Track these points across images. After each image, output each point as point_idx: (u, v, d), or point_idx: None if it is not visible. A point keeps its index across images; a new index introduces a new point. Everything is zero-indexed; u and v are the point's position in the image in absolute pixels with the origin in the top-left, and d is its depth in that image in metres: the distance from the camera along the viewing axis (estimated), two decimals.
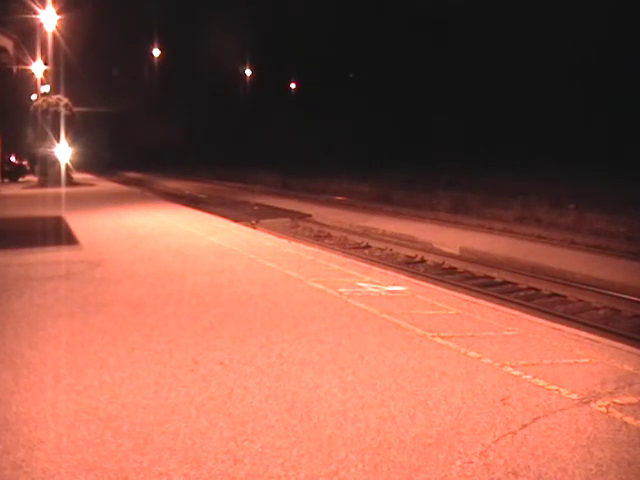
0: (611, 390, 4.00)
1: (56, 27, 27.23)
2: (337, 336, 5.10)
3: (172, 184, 35.20)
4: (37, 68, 32.06)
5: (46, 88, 31.54)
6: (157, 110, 74.36)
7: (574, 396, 3.89)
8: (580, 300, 9.29)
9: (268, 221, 18.07)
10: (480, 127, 40.55)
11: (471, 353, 4.69)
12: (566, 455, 3.15)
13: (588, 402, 3.80)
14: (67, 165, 28.46)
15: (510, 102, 39.75)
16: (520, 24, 41.50)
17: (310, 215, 19.72)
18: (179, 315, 5.77)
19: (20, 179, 30.03)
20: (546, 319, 6.28)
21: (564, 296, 9.54)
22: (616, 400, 3.84)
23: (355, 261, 9.59)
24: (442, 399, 3.83)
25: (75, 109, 27.95)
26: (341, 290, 6.78)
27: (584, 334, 5.46)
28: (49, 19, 26.45)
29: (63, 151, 27.23)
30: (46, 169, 27.14)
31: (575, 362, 4.55)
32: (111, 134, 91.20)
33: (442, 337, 5.08)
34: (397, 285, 7.26)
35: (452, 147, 38.11)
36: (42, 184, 26.05)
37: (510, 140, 36.59)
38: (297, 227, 17.75)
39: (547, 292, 9.78)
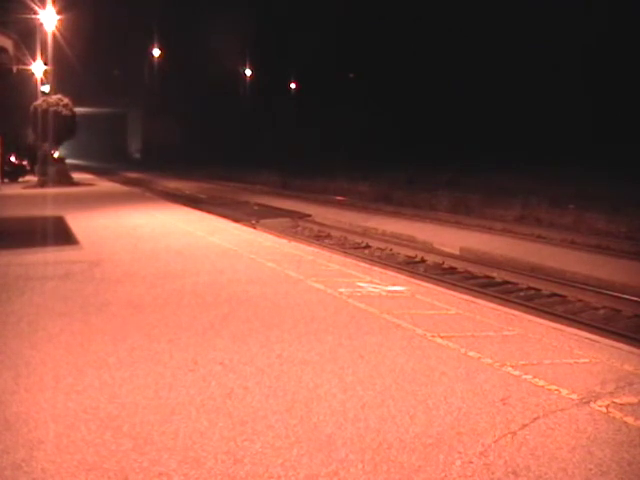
0: (611, 390, 4.00)
1: (56, 27, 27.22)
2: (337, 336, 5.10)
3: (172, 184, 35.19)
4: (37, 68, 32.07)
5: (46, 88, 31.53)
6: (157, 110, 74.38)
7: (574, 396, 3.89)
8: (580, 300, 9.29)
9: (268, 221, 18.07)
10: (480, 127, 40.54)
11: (471, 353, 4.69)
12: (566, 455, 3.15)
13: (588, 402, 3.80)
14: (61, 165, 28.49)
15: (510, 102, 39.74)
16: (520, 25, 41.48)
17: (310, 215, 19.73)
18: (179, 315, 5.77)
19: (20, 179, 29.98)
20: (546, 319, 6.28)
21: (564, 296, 9.54)
22: (616, 400, 3.84)
23: (355, 261, 9.59)
24: (442, 399, 3.83)
25: (75, 109, 27.93)
26: (341, 290, 6.78)
27: (584, 334, 5.46)
28: (49, 19, 26.43)
29: (58, 151, 27.25)
30: (46, 169, 27.13)
31: (575, 362, 4.55)
32: (111, 134, 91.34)
33: (442, 337, 5.08)
34: (397, 285, 7.26)
35: (452, 147, 38.12)
36: (42, 184, 26.02)
37: (510, 140, 36.60)
38: (297, 227, 17.75)
39: (547, 292, 9.78)
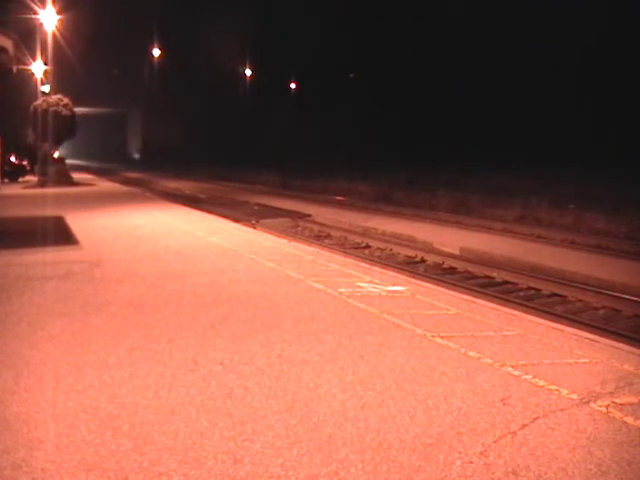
0: (611, 390, 4.00)
1: (56, 27, 27.22)
2: (337, 336, 5.10)
3: (172, 184, 35.19)
4: (37, 68, 32.07)
5: (46, 88, 31.52)
6: (157, 110, 74.38)
7: (574, 396, 3.89)
8: (580, 300, 9.29)
9: (268, 221, 18.06)
10: (480, 127, 40.54)
11: (471, 353, 4.69)
12: (566, 455, 3.15)
13: (588, 402, 3.80)
14: (61, 165, 28.53)
15: (509, 102, 39.74)
16: (520, 25, 41.47)
17: (310, 215, 19.72)
18: (179, 315, 5.77)
19: (20, 179, 29.98)
20: (546, 319, 6.27)
21: (564, 296, 9.54)
22: (616, 400, 3.84)
23: (355, 261, 9.59)
24: (442, 399, 3.83)
25: (75, 109, 27.93)
26: (341, 290, 6.78)
27: (584, 334, 5.46)
28: (49, 19, 26.43)
29: (58, 151, 27.27)
30: (46, 169, 27.13)
31: (575, 362, 4.55)
32: (111, 134, 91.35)
33: (442, 337, 5.08)
34: (397, 285, 7.26)
35: (452, 147, 38.13)
36: (42, 184, 26.02)
37: (510, 140, 36.61)
38: (297, 227, 17.75)
39: (547, 292, 9.78)
